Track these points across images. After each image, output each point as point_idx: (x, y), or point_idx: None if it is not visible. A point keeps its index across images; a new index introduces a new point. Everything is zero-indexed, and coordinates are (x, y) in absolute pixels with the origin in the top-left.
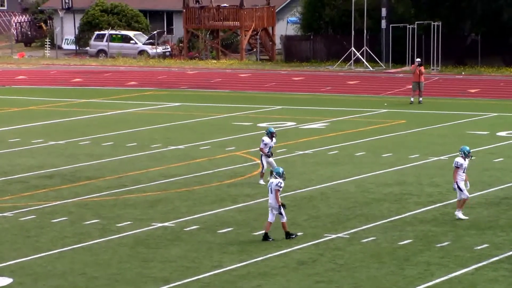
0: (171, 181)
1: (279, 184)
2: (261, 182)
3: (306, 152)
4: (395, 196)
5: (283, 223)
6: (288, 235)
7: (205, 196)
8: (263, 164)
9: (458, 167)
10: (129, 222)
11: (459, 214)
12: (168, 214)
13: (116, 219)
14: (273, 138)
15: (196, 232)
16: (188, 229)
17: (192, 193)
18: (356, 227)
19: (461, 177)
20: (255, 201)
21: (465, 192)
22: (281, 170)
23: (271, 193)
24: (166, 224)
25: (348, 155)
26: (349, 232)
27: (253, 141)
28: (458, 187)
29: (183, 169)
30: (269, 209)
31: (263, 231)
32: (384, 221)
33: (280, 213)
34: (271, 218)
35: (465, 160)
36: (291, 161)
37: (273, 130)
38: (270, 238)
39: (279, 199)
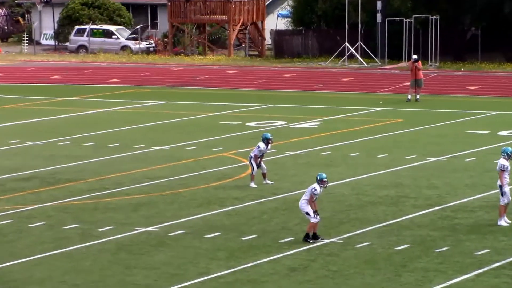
0: (155, 184)
1: (312, 190)
2: (252, 185)
3: (297, 152)
4: (391, 199)
5: (310, 223)
6: (307, 237)
7: (191, 199)
8: (252, 166)
9: (503, 170)
10: (111, 227)
11: (502, 222)
12: (152, 218)
13: (98, 223)
14: (269, 145)
15: (182, 237)
16: (173, 234)
17: (177, 196)
18: (350, 231)
19: (507, 180)
20: (244, 204)
21: (508, 195)
22: (322, 176)
23: (305, 194)
24: (150, 228)
25: (341, 156)
26: (342, 236)
27: (241, 141)
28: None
29: (167, 170)
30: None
31: (308, 232)
32: (379, 225)
33: (308, 214)
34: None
35: (507, 161)
36: (282, 162)
37: (269, 136)
38: (319, 237)
39: (312, 204)
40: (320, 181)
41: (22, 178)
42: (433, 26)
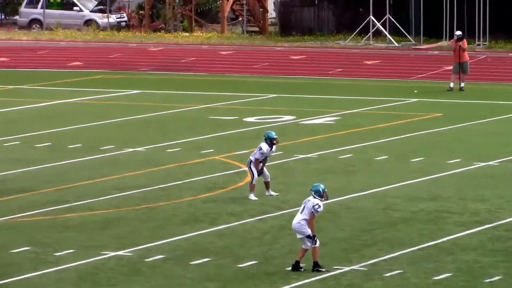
0: (128, 195)
1: (316, 207)
2: (252, 197)
3: (308, 156)
4: (429, 215)
5: (314, 249)
6: (317, 266)
7: (174, 215)
8: (252, 173)
9: None
10: (71, 250)
11: None
12: (124, 239)
13: (54, 246)
14: (273, 146)
15: (161, 264)
16: (150, 259)
17: (156, 211)
18: (377, 256)
19: None
20: (241, 221)
21: None
22: (321, 187)
23: (302, 213)
24: (121, 252)
25: (365, 160)
26: (366, 263)
27: (238, 142)
28: None
29: (143, 178)
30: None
31: (295, 260)
32: (413, 248)
33: (309, 237)
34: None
35: None
36: (289, 167)
37: (274, 135)
38: (301, 268)
39: (313, 226)
40: (322, 193)
41: None
42: None
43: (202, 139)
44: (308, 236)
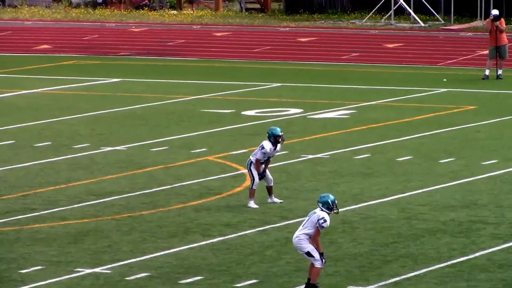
0: (105, 202)
1: (321, 221)
2: (252, 204)
3: (318, 156)
4: (460, 226)
5: (315, 269)
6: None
7: (160, 226)
8: (253, 176)
9: None
10: (39, 267)
11: None
12: (101, 254)
13: (20, 261)
14: (278, 145)
15: (146, 283)
16: (132, 277)
17: (138, 221)
18: (399, 274)
19: None
20: (239, 233)
21: None
22: (330, 199)
23: (303, 226)
24: (98, 270)
25: (385, 161)
26: (387, 282)
27: (235, 139)
28: None
29: (124, 183)
30: None
31: (308, 277)
32: (442, 265)
33: (310, 255)
34: None
35: None
36: (296, 170)
37: (278, 131)
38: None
39: (319, 242)
40: (332, 205)
41: None
42: None
43: (193, 136)
44: (308, 254)
